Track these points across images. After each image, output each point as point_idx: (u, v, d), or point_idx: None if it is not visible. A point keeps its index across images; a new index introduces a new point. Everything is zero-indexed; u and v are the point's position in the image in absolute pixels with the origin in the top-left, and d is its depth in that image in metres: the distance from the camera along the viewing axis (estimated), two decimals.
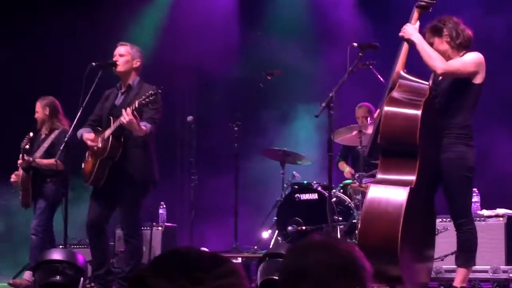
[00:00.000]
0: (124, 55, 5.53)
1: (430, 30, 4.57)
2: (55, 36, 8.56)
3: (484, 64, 4.50)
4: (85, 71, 5.45)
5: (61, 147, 5.49)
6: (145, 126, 5.24)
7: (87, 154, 5.58)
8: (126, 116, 5.09)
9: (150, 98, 5.12)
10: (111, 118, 5.40)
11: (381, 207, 4.25)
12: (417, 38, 4.48)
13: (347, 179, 7.37)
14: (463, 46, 4.55)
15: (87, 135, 5.48)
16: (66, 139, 5.44)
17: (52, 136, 6.69)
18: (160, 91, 5.17)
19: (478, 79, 4.49)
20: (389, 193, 4.27)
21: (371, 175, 6.83)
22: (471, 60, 4.48)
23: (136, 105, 5.13)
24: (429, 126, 4.35)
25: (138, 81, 5.55)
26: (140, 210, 5.51)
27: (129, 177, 5.37)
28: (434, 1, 4.55)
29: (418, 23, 4.55)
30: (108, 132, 5.36)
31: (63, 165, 6.39)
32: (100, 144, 5.38)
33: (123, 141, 5.36)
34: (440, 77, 4.56)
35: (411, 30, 4.52)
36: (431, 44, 4.52)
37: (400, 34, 4.55)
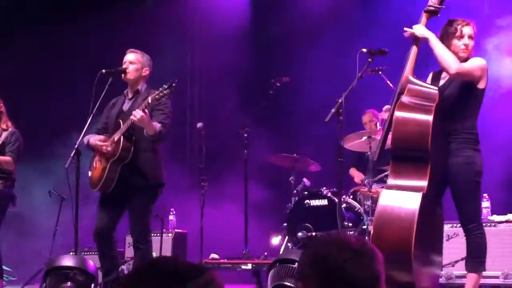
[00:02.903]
0: (134, 62, 5.54)
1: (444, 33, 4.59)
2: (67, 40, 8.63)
3: (487, 70, 4.54)
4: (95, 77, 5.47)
5: (72, 154, 5.46)
6: (156, 125, 5.24)
7: (94, 161, 5.58)
8: (136, 113, 5.08)
9: (164, 91, 5.06)
10: (120, 122, 5.41)
11: (394, 212, 4.24)
12: (431, 36, 4.50)
13: (357, 184, 7.38)
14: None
15: (96, 137, 5.49)
16: (76, 145, 5.43)
17: (5, 134, 6.52)
18: (174, 84, 5.07)
19: (482, 84, 4.53)
20: (401, 198, 4.26)
21: (379, 180, 6.83)
22: (478, 64, 4.52)
23: (149, 101, 5.10)
24: (437, 131, 4.35)
25: (146, 87, 5.56)
26: (150, 216, 5.50)
27: (139, 182, 5.36)
28: (443, 6, 4.57)
29: None
30: (118, 135, 5.36)
31: (14, 165, 6.43)
32: (110, 148, 5.39)
33: (135, 144, 5.36)
34: (443, 83, 4.57)
35: (422, 28, 4.53)
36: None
37: (411, 31, 4.55)
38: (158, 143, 5.43)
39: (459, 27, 4.52)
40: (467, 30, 4.54)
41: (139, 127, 5.26)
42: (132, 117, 5.12)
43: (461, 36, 4.53)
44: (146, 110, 5.12)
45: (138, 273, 1.46)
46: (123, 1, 8.97)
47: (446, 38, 4.56)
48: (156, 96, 5.09)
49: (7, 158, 6.47)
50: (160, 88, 5.10)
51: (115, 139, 5.37)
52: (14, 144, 6.53)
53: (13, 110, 6.85)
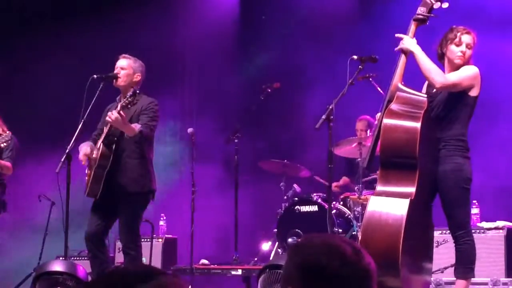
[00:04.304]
0: (126, 68, 5.55)
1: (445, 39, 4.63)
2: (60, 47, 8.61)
3: (480, 77, 4.55)
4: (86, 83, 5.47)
5: (62, 159, 5.46)
6: (135, 126, 5.26)
7: (87, 167, 5.60)
8: (111, 115, 5.12)
9: (129, 98, 5.17)
10: (104, 128, 5.43)
11: (382, 218, 4.26)
12: (417, 49, 4.53)
13: (347, 190, 7.39)
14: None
15: (82, 148, 5.48)
16: (67, 150, 5.43)
17: None
18: (138, 91, 5.23)
19: (473, 92, 4.55)
20: (389, 204, 4.28)
21: (367, 183, 6.86)
22: (467, 74, 4.52)
23: (119, 108, 5.16)
24: (426, 138, 4.38)
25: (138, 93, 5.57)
26: (139, 222, 5.49)
27: (126, 188, 5.36)
28: (432, 15, 4.60)
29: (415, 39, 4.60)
30: (99, 141, 5.40)
31: (13, 170, 6.43)
32: (95, 154, 5.40)
33: (118, 151, 5.36)
34: (435, 90, 4.59)
35: (409, 41, 4.56)
36: (444, 54, 4.58)
37: (398, 47, 4.59)
38: (142, 144, 5.40)
39: (458, 34, 4.55)
40: (466, 38, 4.57)
41: (124, 133, 5.28)
42: (107, 118, 5.17)
43: (459, 44, 4.55)
44: (121, 112, 5.15)
45: (98, 278, 1.48)
46: (116, 6, 8.97)
47: (445, 44, 4.60)
48: (123, 104, 5.18)
49: (7, 163, 6.45)
50: (127, 95, 5.23)
51: (98, 146, 5.39)
52: (11, 149, 6.51)
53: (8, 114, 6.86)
